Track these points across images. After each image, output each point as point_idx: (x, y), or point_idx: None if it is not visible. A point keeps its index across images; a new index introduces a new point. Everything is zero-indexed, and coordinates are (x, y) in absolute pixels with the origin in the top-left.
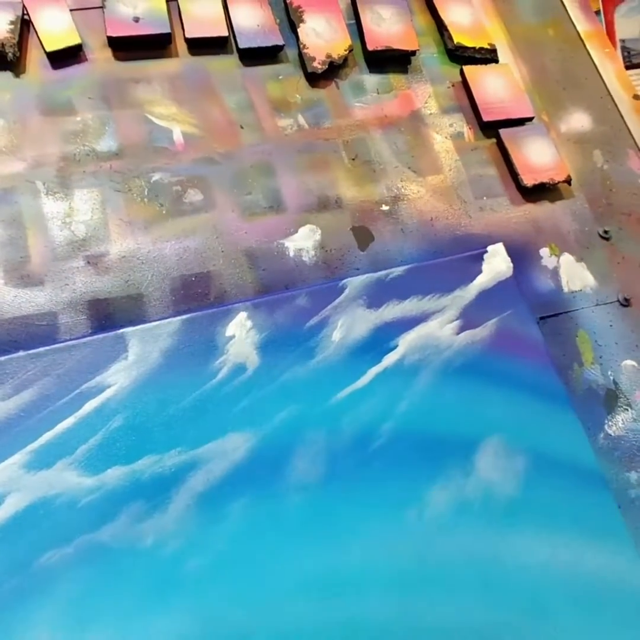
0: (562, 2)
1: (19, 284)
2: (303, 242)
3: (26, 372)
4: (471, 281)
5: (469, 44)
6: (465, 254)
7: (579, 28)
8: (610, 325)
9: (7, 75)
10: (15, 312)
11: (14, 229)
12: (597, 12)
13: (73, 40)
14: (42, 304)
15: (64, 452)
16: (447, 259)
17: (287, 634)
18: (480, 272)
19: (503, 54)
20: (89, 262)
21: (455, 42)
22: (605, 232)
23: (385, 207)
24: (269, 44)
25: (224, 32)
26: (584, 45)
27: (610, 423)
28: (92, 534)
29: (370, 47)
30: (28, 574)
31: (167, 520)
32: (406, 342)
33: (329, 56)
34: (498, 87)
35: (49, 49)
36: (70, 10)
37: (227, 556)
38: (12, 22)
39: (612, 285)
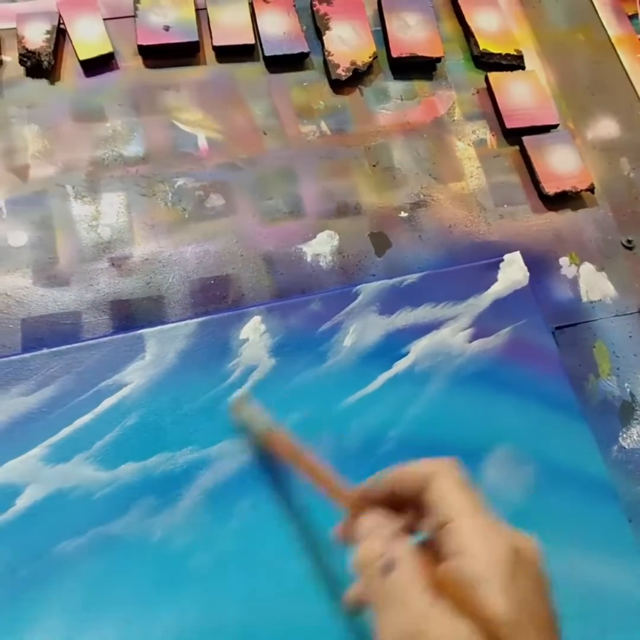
0: (594, 6)
1: (46, 283)
2: (321, 247)
3: (49, 369)
4: (486, 289)
5: (495, 50)
6: (481, 262)
7: (610, 33)
8: (630, 337)
9: (42, 83)
10: (42, 311)
11: (43, 230)
12: (634, 16)
13: (105, 48)
14: (68, 304)
15: (81, 447)
16: (462, 266)
17: (289, 631)
18: (495, 280)
19: (531, 60)
20: (113, 264)
21: (481, 49)
22: (629, 241)
23: (403, 214)
24: (295, 51)
25: (251, 40)
26: (615, 51)
27: (624, 435)
28: (105, 526)
29: (394, 54)
30: (43, 561)
31: (176, 515)
32: (418, 348)
33: (353, 63)
34: (523, 93)
35: (82, 57)
36: (104, 19)
37: (233, 553)
38: (48, 32)
39: (633, 296)
